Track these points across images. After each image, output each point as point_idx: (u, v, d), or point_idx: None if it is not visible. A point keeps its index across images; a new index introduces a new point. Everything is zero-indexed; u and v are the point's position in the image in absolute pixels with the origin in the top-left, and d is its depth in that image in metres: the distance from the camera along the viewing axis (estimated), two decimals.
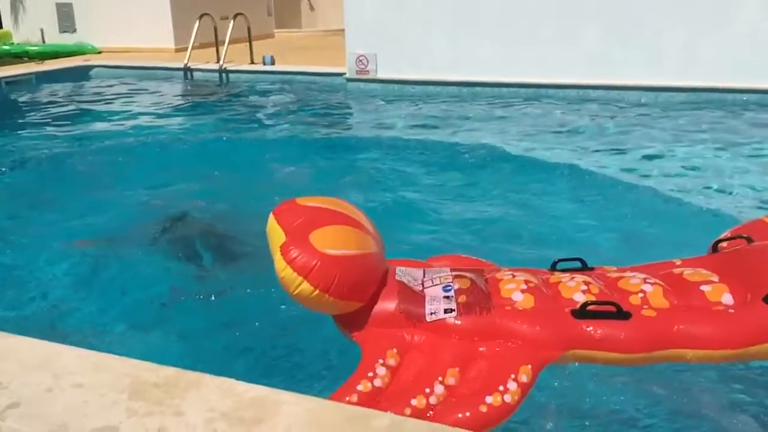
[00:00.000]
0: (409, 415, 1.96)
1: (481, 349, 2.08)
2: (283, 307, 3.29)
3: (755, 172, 5.43)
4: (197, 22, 11.37)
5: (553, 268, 2.45)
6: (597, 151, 6.25)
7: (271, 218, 2.31)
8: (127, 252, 3.89)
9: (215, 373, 2.16)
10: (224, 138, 6.95)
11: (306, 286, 2.09)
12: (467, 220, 4.46)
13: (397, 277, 2.30)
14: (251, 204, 4.62)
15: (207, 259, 3.88)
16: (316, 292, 2.10)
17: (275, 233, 2.24)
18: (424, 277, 2.33)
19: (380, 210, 4.22)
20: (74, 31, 14.75)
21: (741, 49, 8.20)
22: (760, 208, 4.58)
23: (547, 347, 2.06)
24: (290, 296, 2.15)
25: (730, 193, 4.94)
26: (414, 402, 1.98)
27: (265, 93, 10.13)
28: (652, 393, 2.53)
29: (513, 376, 2.00)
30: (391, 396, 2.02)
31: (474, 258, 2.65)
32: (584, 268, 2.43)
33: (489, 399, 1.95)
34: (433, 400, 1.98)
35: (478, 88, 9.25)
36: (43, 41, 14.68)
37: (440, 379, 2.03)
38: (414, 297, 2.22)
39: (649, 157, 5.92)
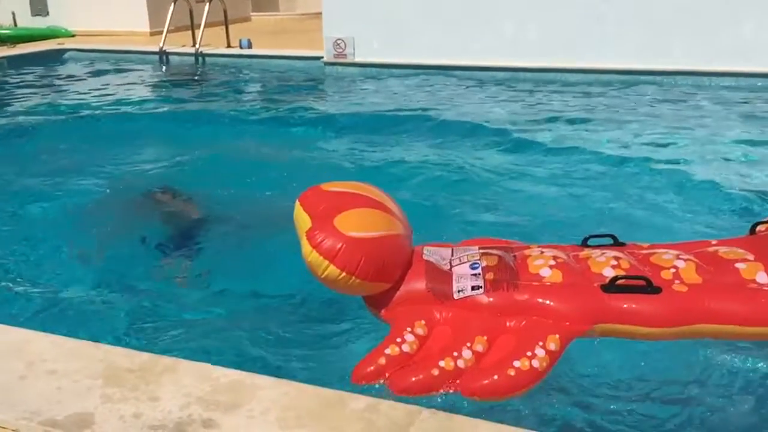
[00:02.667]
0: (437, 376, 1.97)
1: (508, 324, 2.09)
2: (261, 289, 3.29)
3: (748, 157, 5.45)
4: (172, 4, 11.20)
5: (584, 243, 2.43)
6: (577, 131, 6.26)
7: (297, 204, 2.34)
8: (101, 235, 3.85)
9: (192, 358, 2.16)
10: (201, 122, 6.88)
11: (332, 270, 2.11)
12: (453, 201, 4.45)
13: (424, 257, 2.31)
14: (228, 187, 4.60)
15: (182, 242, 3.85)
16: (343, 274, 2.11)
17: (301, 219, 2.27)
18: (452, 255, 2.34)
19: None
20: (47, 14, 14.51)
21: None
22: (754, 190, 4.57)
23: (575, 321, 2.06)
24: (319, 280, 2.16)
25: (724, 176, 4.92)
26: (442, 363, 1.99)
27: (242, 77, 10.04)
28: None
29: (541, 343, 2.00)
30: (419, 360, 2.03)
31: (504, 240, 2.63)
32: (616, 243, 2.40)
33: (517, 363, 1.96)
34: (461, 363, 2.00)
35: (457, 72, 9.22)
36: (15, 25, 14.43)
37: (468, 344, 2.04)
38: (441, 275, 2.23)
39: (649, 143, 5.84)
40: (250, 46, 11.14)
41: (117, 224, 4.02)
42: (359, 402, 1.92)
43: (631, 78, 8.45)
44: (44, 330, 2.43)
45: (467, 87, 8.64)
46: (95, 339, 2.33)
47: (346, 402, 1.92)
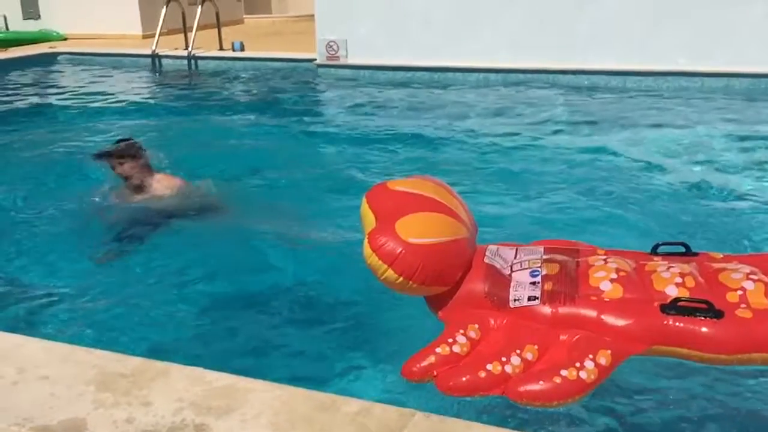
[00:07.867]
0: (484, 378, 1.97)
1: (562, 337, 2.06)
2: (252, 292, 3.29)
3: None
4: (164, 7, 11.20)
5: (654, 251, 2.36)
6: (558, 135, 6.26)
7: (364, 201, 2.36)
8: (91, 239, 3.84)
9: (184, 363, 2.15)
10: (193, 125, 6.87)
11: (391, 273, 2.15)
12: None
13: (486, 260, 2.31)
14: (220, 189, 4.58)
15: (175, 245, 3.84)
16: (401, 279, 2.15)
17: (367, 217, 2.31)
18: (514, 258, 2.32)
19: (353, 196, 4.18)
20: (38, 17, 14.48)
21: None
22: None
23: (631, 341, 2.01)
24: (378, 280, 2.21)
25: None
26: (489, 366, 2.00)
27: (234, 80, 10.04)
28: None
29: (591, 356, 1.98)
30: (468, 362, 2.04)
31: (572, 242, 2.57)
32: (687, 253, 2.32)
33: (564, 372, 1.95)
34: (508, 368, 2.00)
35: (449, 74, 9.23)
36: (7, 28, 14.39)
37: (518, 351, 2.04)
38: (500, 281, 2.23)
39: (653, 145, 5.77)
40: (242, 49, 11.14)
41: (107, 227, 4.01)
42: (352, 405, 1.92)
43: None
44: (36, 335, 2.42)
45: (458, 89, 8.65)
46: (87, 344, 2.32)
47: (338, 405, 1.92)
